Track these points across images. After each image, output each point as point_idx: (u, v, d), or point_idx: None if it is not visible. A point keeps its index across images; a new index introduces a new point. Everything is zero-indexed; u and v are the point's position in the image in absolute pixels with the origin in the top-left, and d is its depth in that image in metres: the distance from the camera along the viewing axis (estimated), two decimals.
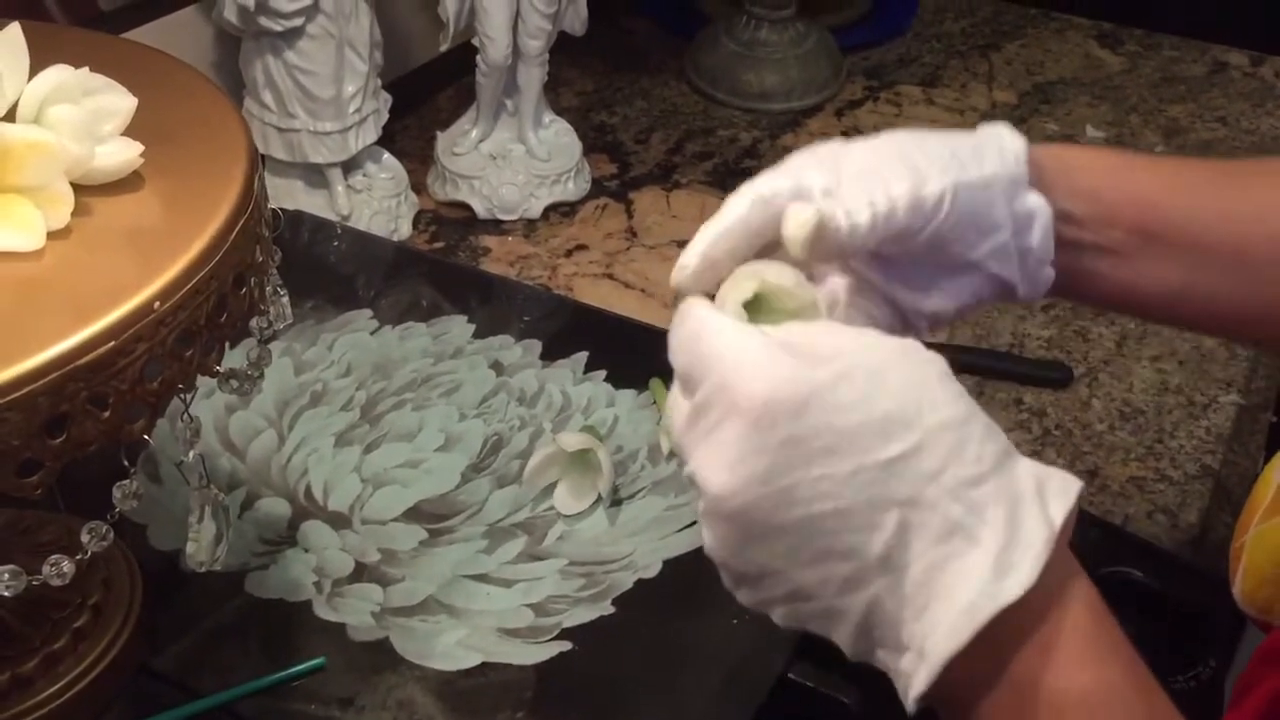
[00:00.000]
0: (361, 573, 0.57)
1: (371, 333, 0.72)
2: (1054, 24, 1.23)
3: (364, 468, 0.63)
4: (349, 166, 0.89)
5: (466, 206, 0.93)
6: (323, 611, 0.55)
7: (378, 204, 0.90)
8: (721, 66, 1.09)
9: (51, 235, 0.38)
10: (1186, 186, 0.46)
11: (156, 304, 0.36)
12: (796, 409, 0.33)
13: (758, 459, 0.34)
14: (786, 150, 1.05)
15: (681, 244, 0.89)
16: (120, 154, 0.40)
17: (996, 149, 0.42)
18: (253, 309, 0.42)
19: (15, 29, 0.39)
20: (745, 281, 0.39)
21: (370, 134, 0.88)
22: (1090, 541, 0.63)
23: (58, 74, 0.39)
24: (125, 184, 0.40)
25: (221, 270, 0.39)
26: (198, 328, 0.38)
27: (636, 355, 0.70)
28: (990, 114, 1.08)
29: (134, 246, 0.39)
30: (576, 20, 0.90)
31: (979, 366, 0.80)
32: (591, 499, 0.61)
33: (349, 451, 0.63)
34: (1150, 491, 0.71)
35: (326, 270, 0.78)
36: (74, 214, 0.39)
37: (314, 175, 0.88)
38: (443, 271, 0.80)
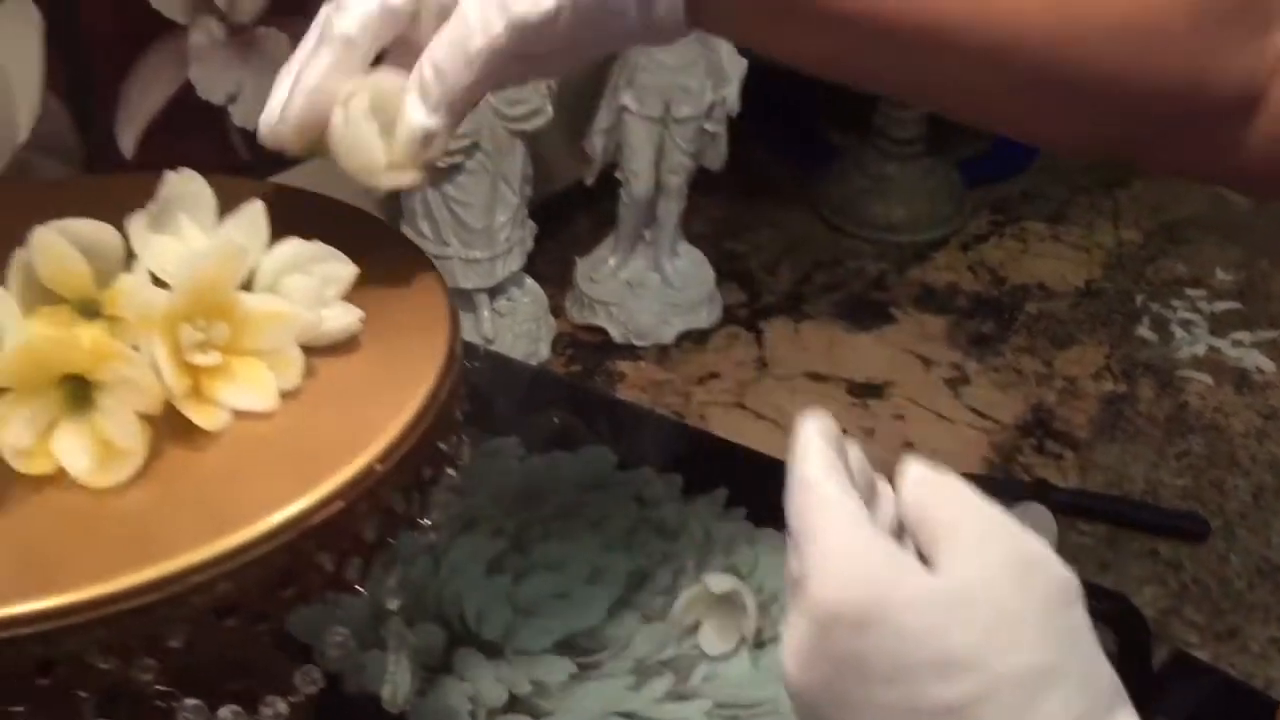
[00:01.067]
0: (514, 704, 0.59)
1: (519, 459, 0.75)
2: None
3: (514, 597, 0.65)
4: (495, 292, 0.93)
5: (602, 331, 0.97)
6: None
7: (519, 327, 0.93)
8: (849, 198, 1.12)
9: (282, 396, 0.41)
10: None
11: (378, 465, 0.39)
12: (859, 625, 0.32)
13: (821, 664, 0.33)
14: (914, 283, 1.07)
15: (812, 376, 0.92)
16: (343, 319, 0.43)
17: None
18: (453, 460, 0.44)
19: (258, 207, 0.43)
20: (360, 94, 0.42)
21: (516, 261, 0.92)
22: (1230, 708, 0.62)
23: (292, 247, 0.43)
24: (342, 346, 0.44)
25: (432, 430, 0.42)
26: (410, 484, 0.41)
27: (776, 493, 0.72)
28: (1117, 252, 1.09)
29: (354, 407, 0.42)
30: (716, 157, 0.94)
31: (1112, 514, 0.80)
32: (736, 640, 0.62)
33: (500, 580, 0.66)
34: None
35: (473, 394, 0.81)
36: (301, 376, 0.42)
37: (462, 299, 0.92)
38: (585, 399, 0.83)
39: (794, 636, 0.33)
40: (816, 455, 0.36)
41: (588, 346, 0.96)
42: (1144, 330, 0.99)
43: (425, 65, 0.42)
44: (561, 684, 0.60)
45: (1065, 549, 0.77)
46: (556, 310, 0.98)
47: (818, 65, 0.45)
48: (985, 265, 1.08)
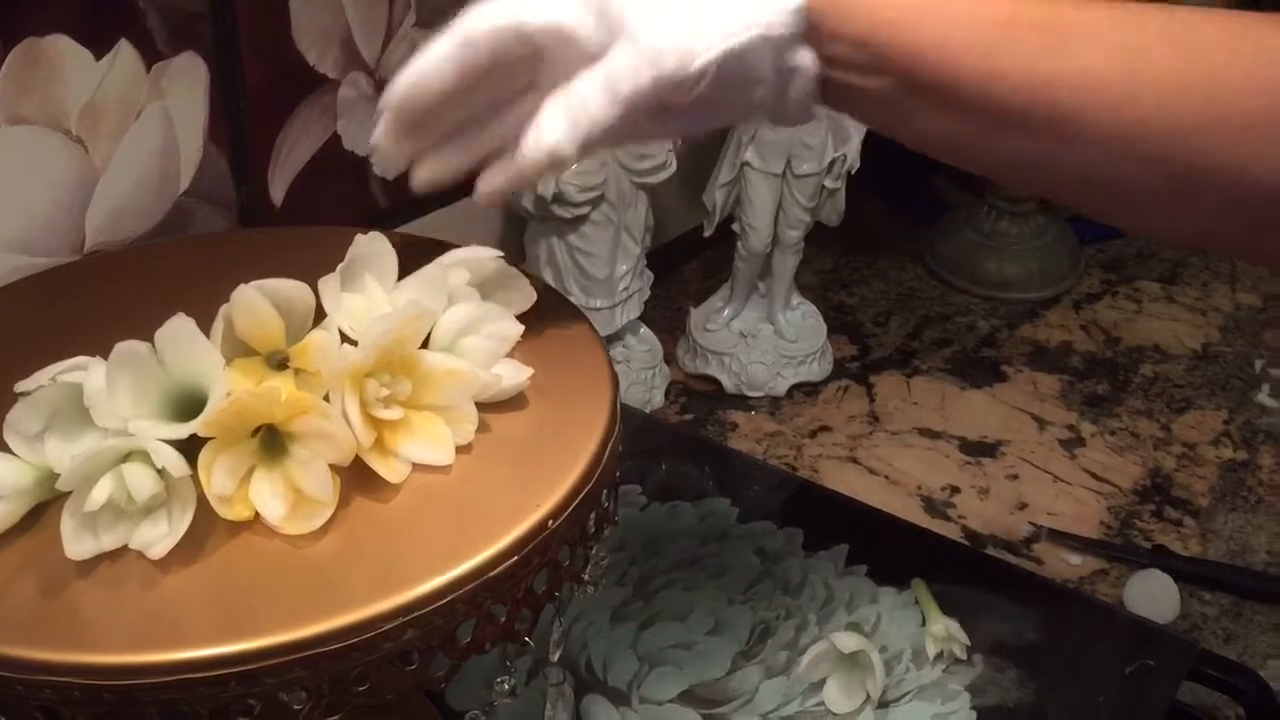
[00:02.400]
0: None
1: (641, 509, 0.76)
2: None
3: (640, 645, 0.66)
4: (611, 339, 0.95)
5: (714, 380, 0.98)
6: None
7: (635, 375, 0.95)
8: (961, 254, 1.13)
9: (457, 450, 0.43)
10: (969, 42, 0.42)
11: (550, 521, 0.41)
12: None
13: None
14: (1025, 341, 1.06)
15: (924, 432, 0.92)
16: (514, 377, 0.45)
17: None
18: (612, 517, 0.46)
19: (440, 271, 0.45)
20: None
21: (634, 310, 0.94)
22: None
23: (467, 309, 0.45)
24: (511, 403, 0.46)
25: (598, 488, 0.43)
26: (577, 539, 0.43)
27: (898, 552, 0.73)
28: (1234, 316, 1.08)
29: (525, 462, 0.43)
30: (834, 213, 0.95)
31: (1235, 585, 0.79)
32: (861, 699, 0.63)
33: (626, 628, 0.67)
34: None
35: None
36: (475, 431, 0.44)
37: None
38: (703, 450, 0.84)
39: None
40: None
41: (700, 395, 0.98)
42: (1264, 397, 0.98)
43: (573, 93, 0.43)
44: None
45: (1189, 618, 0.76)
46: (668, 358, 1.00)
47: (940, 150, 0.46)
48: (1098, 325, 1.08)
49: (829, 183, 0.92)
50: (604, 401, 0.46)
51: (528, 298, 0.49)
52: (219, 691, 0.36)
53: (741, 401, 0.97)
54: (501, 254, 0.48)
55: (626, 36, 0.42)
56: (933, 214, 1.19)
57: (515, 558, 0.40)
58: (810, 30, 0.43)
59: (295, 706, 0.37)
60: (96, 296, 0.53)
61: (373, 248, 0.45)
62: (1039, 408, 0.97)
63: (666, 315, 1.06)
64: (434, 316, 0.44)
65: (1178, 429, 0.94)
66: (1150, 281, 1.14)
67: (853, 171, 0.92)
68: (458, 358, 0.44)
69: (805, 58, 0.44)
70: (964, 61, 0.42)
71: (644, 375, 0.96)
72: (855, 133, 0.91)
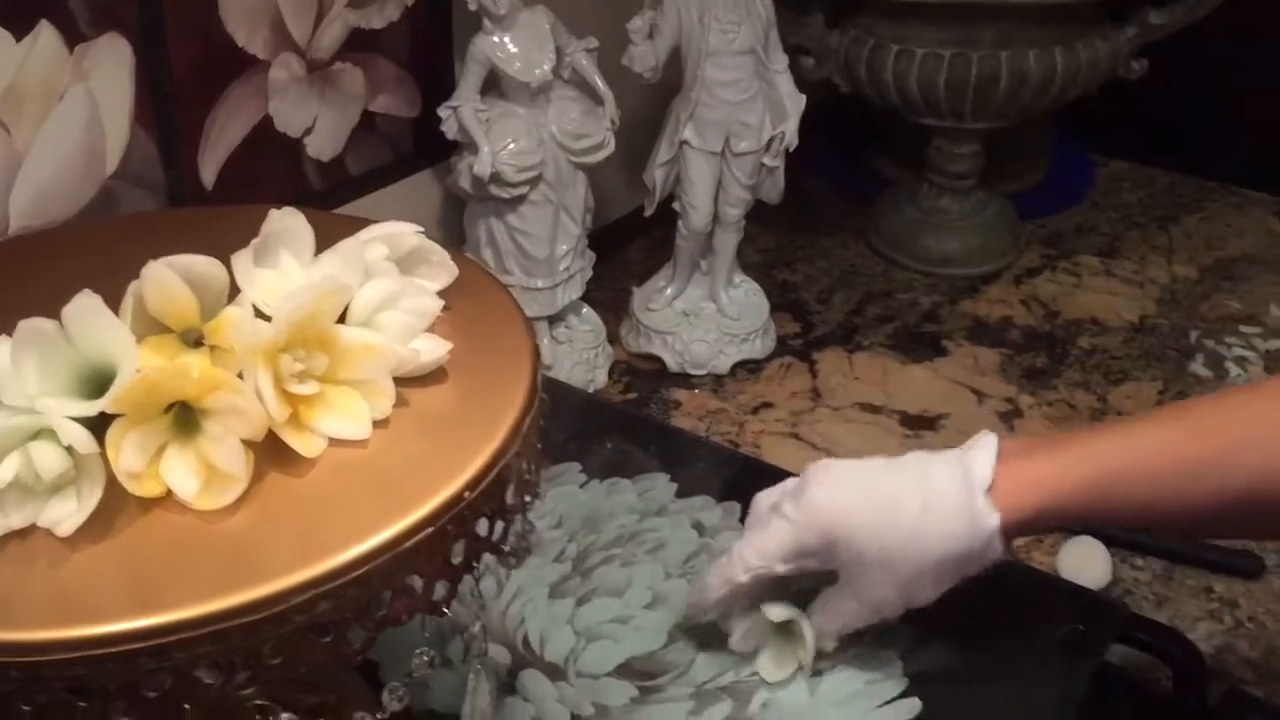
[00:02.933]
0: None
1: (581, 485, 0.76)
2: (1234, 198, 1.24)
3: (577, 620, 0.66)
4: (554, 319, 0.95)
5: (658, 359, 0.98)
6: None
7: (578, 355, 0.95)
8: (903, 231, 1.13)
9: (374, 424, 0.43)
10: (1135, 479, 0.54)
11: (467, 493, 0.41)
12: None
13: None
14: (966, 316, 1.07)
15: (865, 407, 0.93)
16: (433, 352, 0.45)
17: (970, 517, 0.55)
18: (533, 487, 0.46)
19: (356, 245, 0.45)
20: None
21: (576, 290, 0.94)
22: None
23: (385, 284, 0.45)
24: (431, 377, 0.46)
25: (517, 459, 0.43)
26: (495, 510, 0.43)
27: None
28: (1170, 288, 1.10)
29: (443, 435, 0.43)
30: (774, 190, 0.96)
31: (1167, 551, 0.80)
32: (793, 668, 0.63)
33: (563, 604, 0.67)
34: None
35: None
36: (393, 406, 0.44)
37: None
38: (644, 428, 0.84)
39: None
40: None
41: (644, 374, 0.98)
42: (1198, 367, 0.99)
43: (711, 571, 0.62)
44: (623, 708, 0.61)
45: (1121, 584, 0.77)
46: (612, 338, 1.00)
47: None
48: (1038, 299, 1.09)
49: (768, 160, 0.93)
50: (524, 375, 0.46)
51: (449, 273, 0.49)
52: (128, 667, 0.36)
53: (685, 380, 0.97)
54: (422, 229, 0.48)
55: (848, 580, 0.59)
56: (874, 192, 1.20)
57: (431, 529, 0.40)
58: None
59: (207, 681, 0.37)
60: (19, 278, 0.53)
61: (287, 223, 0.45)
62: (979, 381, 0.98)
63: (611, 296, 1.06)
64: (350, 291, 0.44)
65: (1114, 400, 0.96)
66: (1090, 256, 1.15)
67: (790, 149, 0.92)
68: (375, 332, 0.44)
69: (995, 550, 0.57)
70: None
71: (587, 355, 0.96)
72: (794, 111, 0.92)
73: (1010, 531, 0.56)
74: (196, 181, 0.75)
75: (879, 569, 0.57)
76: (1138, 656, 0.69)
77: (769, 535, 0.59)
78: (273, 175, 0.80)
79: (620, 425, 0.83)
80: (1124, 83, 1.06)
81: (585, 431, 0.82)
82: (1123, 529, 0.77)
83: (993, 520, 0.55)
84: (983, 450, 0.56)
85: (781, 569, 0.59)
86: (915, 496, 0.56)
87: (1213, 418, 0.55)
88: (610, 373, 0.98)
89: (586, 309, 0.97)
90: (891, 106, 1.06)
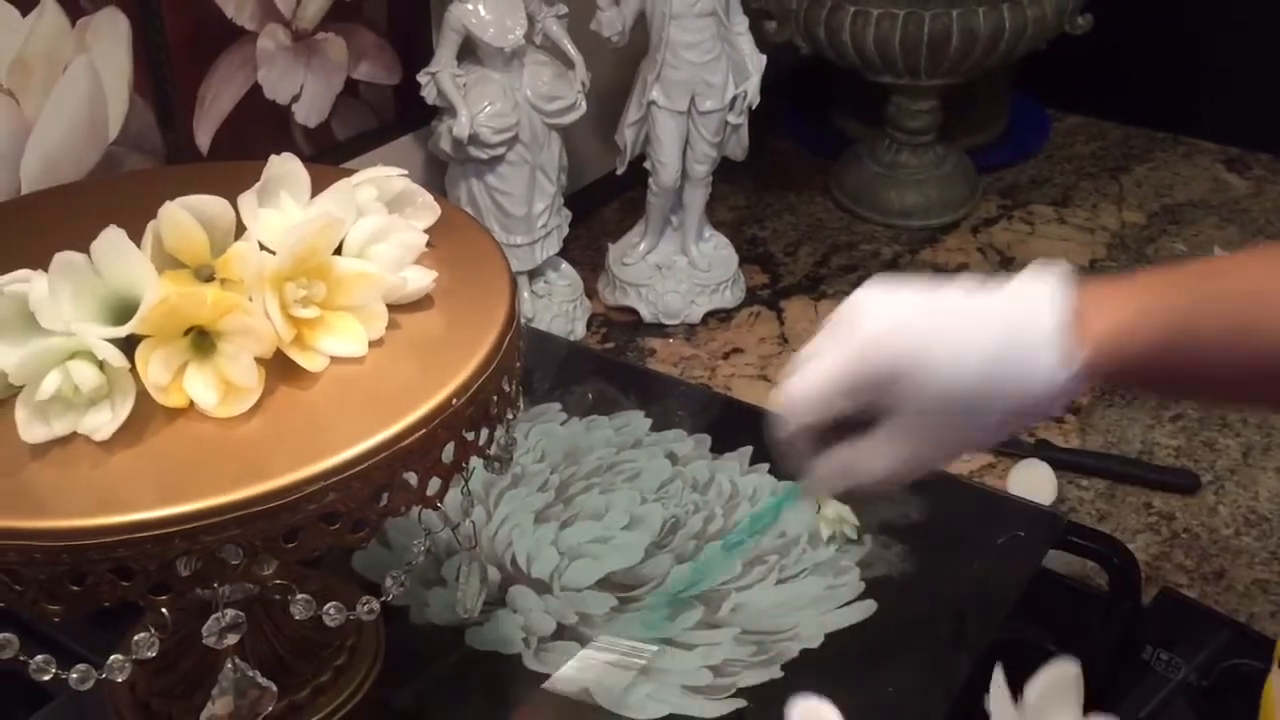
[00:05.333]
0: (562, 632, 0.66)
1: (561, 424, 0.82)
2: (1182, 148, 1.29)
3: (560, 542, 0.72)
4: (533, 274, 1.00)
5: (634, 311, 1.04)
6: (531, 664, 0.64)
7: (557, 308, 1.00)
8: (864, 185, 1.19)
9: (370, 344, 0.48)
10: (1201, 333, 0.46)
11: (454, 400, 0.46)
12: None
13: None
14: (926, 264, 1.12)
15: None
16: (420, 280, 0.50)
17: (1047, 348, 0.45)
18: (514, 401, 0.51)
19: (349, 185, 0.50)
20: None
21: (553, 246, 0.99)
22: (1219, 638, 0.68)
23: (376, 220, 0.50)
24: (419, 304, 0.51)
25: (498, 372, 0.49)
26: (480, 418, 0.48)
27: None
28: (1120, 234, 1.15)
29: (431, 353, 0.49)
30: (738, 147, 1.01)
31: (1110, 471, 0.86)
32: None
33: (547, 528, 0.73)
34: (1274, 593, 0.76)
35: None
36: (386, 328, 0.49)
37: None
38: (621, 371, 0.90)
39: None
40: None
41: (620, 325, 1.03)
42: None
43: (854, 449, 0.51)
44: (604, 615, 0.67)
45: (1066, 502, 0.83)
46: (590, 292, 1.05)
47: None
48: (994, 247, 1.14)
49: (732, 118, 0.98)
50: (503, 300, 0.52)
51: (433, 213, 0.55)
52: (164, 550, 0.41)
53: (659, 329, 1.03)
54: (406, 172, 0.54)
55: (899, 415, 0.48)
56: (837, 148, 1.25)
57: (424, 430, 0.45)
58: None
59: (233, 562, 0.42)
60: (37, 229, 0.57)
61: (286, 168, 0.50)
62: None
63: (589, 254, 1.11)
64: (344, 226, 0.49)
65: None
66: (1044, 205, 1.21)
67: (753, 107, 0.97)
68: (368, 262, 0.49)
69: (1070, 386, 0.46)
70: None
71: (566, 308, 1.01)
72: (755, 71, 0.97)
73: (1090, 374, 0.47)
74: (193, 146, 0.80)
75: (938, 408, 0.47)
76: (1080, 563, 0.75)
77: (811, 371, 0.50)
78: (264, 140, 0.85)
79: (597, 370, 0.88)
80: (1077, 39, 1.11)
81: (565, 376, 0.88)
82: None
83: (1080, 358, 0.45)
84: (1059, 280, 0.47)
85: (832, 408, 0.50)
86: (993, 329, 0.47)
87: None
88: (589, 325, 1.03)
89: (564, 265, 1.02)
90: (851, 66, 1.11)
